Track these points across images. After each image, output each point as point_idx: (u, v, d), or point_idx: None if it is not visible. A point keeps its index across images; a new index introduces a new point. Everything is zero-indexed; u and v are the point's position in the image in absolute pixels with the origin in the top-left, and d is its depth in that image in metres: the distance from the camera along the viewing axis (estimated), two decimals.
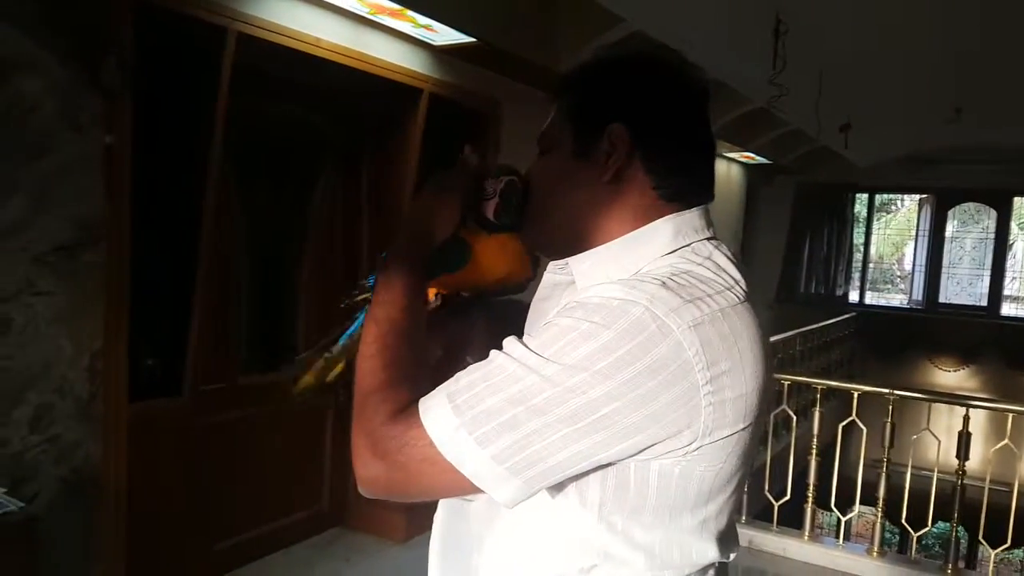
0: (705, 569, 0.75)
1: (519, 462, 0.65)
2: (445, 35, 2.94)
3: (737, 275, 0.74)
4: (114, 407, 2.12)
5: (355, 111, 3.27)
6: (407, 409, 0.69)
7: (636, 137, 0.76)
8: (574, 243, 0.80)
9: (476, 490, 0.68)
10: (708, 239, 0.77)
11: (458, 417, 0.66)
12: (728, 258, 0.76)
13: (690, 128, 0.80)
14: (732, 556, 0.78)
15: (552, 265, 0.86)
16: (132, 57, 2.00)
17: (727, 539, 0.76)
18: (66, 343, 2.02)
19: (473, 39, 2.97)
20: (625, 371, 0.64)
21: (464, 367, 0.72)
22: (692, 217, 0.77)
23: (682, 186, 0.78)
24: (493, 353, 0.70)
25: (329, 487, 3.41)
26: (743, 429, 0.70)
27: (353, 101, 3.20)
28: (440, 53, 3.16)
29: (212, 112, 2.31)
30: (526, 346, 0.68)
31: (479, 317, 0.93)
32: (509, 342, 0.70)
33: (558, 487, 0.70)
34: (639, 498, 0.70)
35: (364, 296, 0.99)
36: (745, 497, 3.49)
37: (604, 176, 0.77)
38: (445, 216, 0.83)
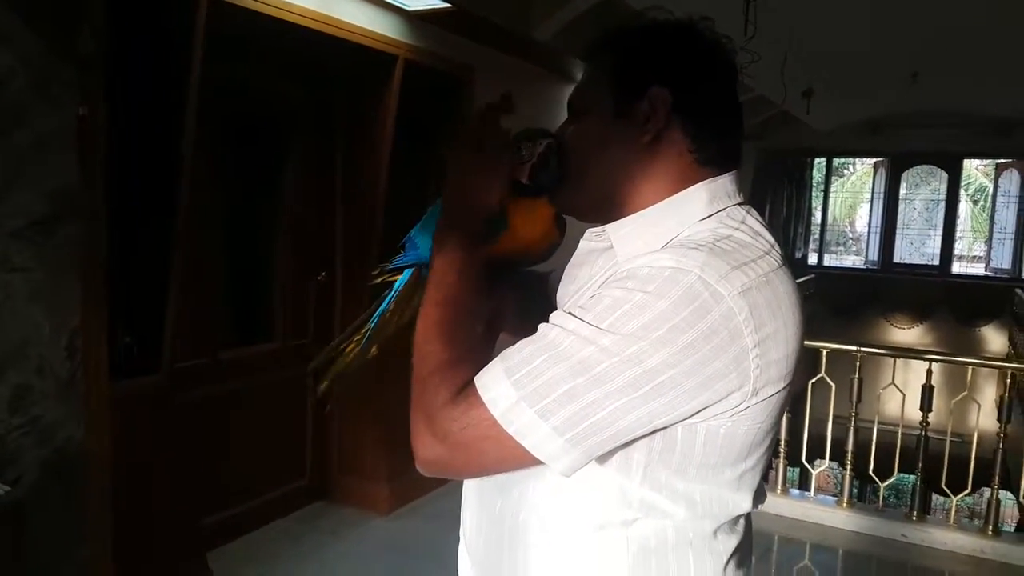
0: (737, 519, 0.79)
1: (580, 432, 0.66)
2: (420, 0, 2.89)
3: (771, 239, 0.76)
4: (95, 386, 2.06)
5: (329, 78, 3.21)
6: (466, 389, 0.70)
7: (676, 100, 0.77)
8: (610, 205, 0.80)
9: (536, 462, 0.69)
10: (739, 204, 0.79)
11: (518, 391, 0.67)
12: (760, 222, 0.77)
13: (725, 95, 0.81)
14: (760, 506, 0.80)
15: (589, 232, 0.86)
16: (104, 25, 1.92)
17: (759, 491, 0.79)
18: (44, 321, 1.95)
19: (448, 5, 2.93)
20: (681, 338, 0.65)
21: (501, 341, 0.73)
22: (725, 182, 0.79)
23: (716, 151, 0.79)
24: (544, 327, 0.70)
25: (311, 461, 3.41)
26: (785, 387, 0.72)
27: (327, 68, 3.15)
28: (414, 19, 3.11)
29: (185, 81, 2.24)
30: (579, 318, 0.68)
31: (507, 289, 0.93)
32: (559, 315, 0.70)
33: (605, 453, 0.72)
34: (684, 457, 0.72)
35: (386, 279, 0.99)
36: None
37: (644, 137, 0.77)
38: (493, 188, 0.81)
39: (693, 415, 0.69)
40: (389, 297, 0.98)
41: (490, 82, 3.58)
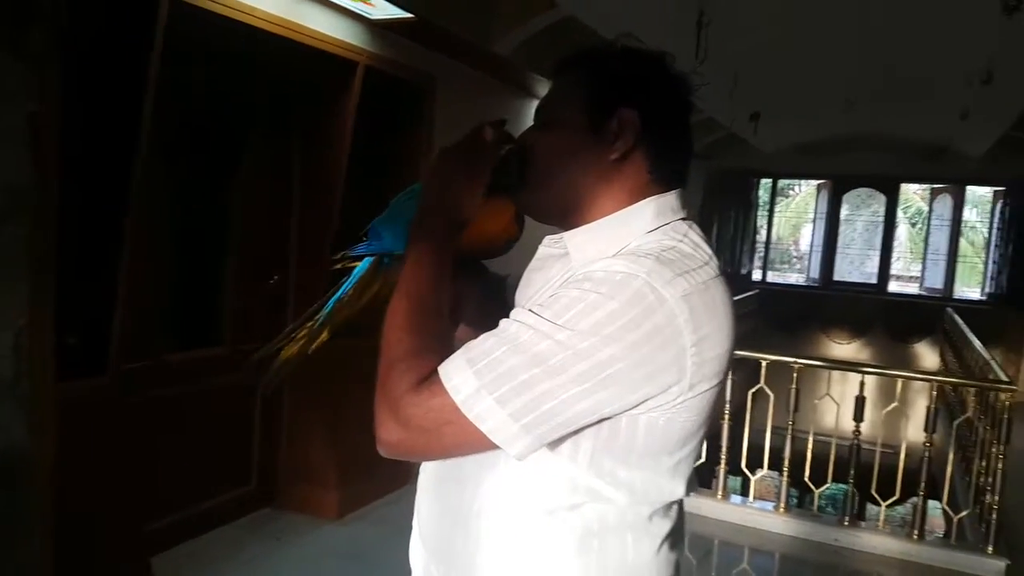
0: (671, 504, 0.86)
1: (534, 419, 0.72)
2: (382, 9, 2.94)
3: (710, 252, 0.84)
4: (40, 386, 2.03)
5: (289, 82, 3.22)
6: (430, 377, 0.75)
7: (644, 124, 0.84)
8: (568, 212, 0.88)
9: (492, 446, 0.74)
10: (682, 219, 0.87)
11: (479, 380, 0.72)
12: (701, 236, 0.86)
13: (684, 122, 0.90)
14: (690, 494, 0.88)
15: (547, 239, 0.92)
16: (61, 23, 1.91)
17: (691, 480, 0.87)
18: None
19: (410, 14, 2.98)
20: (629, 336, 0.72)
21: (461, 332, 0.78)
22: (671, 199, 0.87)
23: (670, 172, 0.88)
24: (505, 322, 0.76)
25: (258, 467, 3.38)
26: (717, 384, 0.80)
27: (287, 72, 3.15)
28: (376, 27, 3.15)
29: (143, 82, 2.24)
30: (538, 315, 0.74)
31: (469, 284, 0.98)
32: (520, 312, 0.76)
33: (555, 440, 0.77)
34: (627, 445, 0.79)
35: (346, 264, 1.03)
36: None
37: (611, 155, 0.84)
38: (475, 197, 0.87)
39: (636, 406, 0.76)
40: (347, 284, 1.01)
41: (450, 92, 3.64)
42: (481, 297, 1.01)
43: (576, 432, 0.77)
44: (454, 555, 0.87)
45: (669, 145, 0.87)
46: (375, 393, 0.77)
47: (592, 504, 0.80)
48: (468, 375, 0.73)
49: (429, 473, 0.94)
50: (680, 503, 0.88)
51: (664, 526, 0.85)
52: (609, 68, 0.88)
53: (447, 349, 0.77)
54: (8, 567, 1.99)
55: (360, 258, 1.01)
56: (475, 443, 0.74)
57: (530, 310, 0.75)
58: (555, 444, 0.77)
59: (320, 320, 1.02)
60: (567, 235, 0.88)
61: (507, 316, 0.77)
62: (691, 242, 0.82)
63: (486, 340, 0.75)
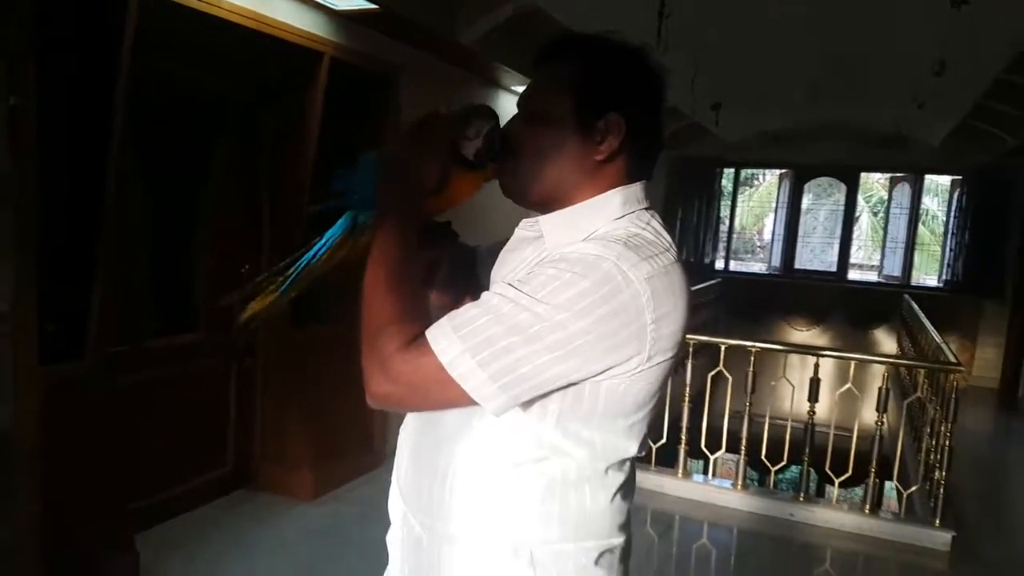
0: (624, 461, 0.97)
1: (510, 380, 0.83)
2: (347, 0, 2.99)
3: (670, 239, 0.94)
4: (23, 370, 2.09)
5: (256, 74, 3.27)
6: (418, 340, 0.84)
7: (630, 127, 0.93)
8: (548, 201, 0.97)
9: (472, 402, 0.85)
10: (645, 208, 0.97)
11: (463, 343, 0.82)
12: (662, 225, 0.96)
13: (660, 122, 0.99)
14: (643, 453, 0.99)
15: (524, 222, 1.02)
16: (34, 17, 1.96)
17: (643, 441, 0.98)
18: None
19: (375, 6, 3.04)
20: (598, 311, 0.82)
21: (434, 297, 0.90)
22: (636, 189, 0.97)
23: (644, 168, 0.98)
24: (487, 294, 0.86)
25: (234, 450, 3.44)
26: (671, 356, 0.91)
27: (254, 64, 3.20)
28: (342, 18, 3.20)
29: (115, 73, 2.28)
30: (518, 289, 0.84)
31: (441, 254, 1.07)
32: (501, 286, 0.86)
33: (527, 400, 0.88)
34: (590, 408, 0.89)
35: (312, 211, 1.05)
36: None
37: (597, 156, 0.94)
38: (432, 170, 0.95)
39: (600, 373, 0.86)
40: (322, 246, 1.03)
41: (414, 82, 3.71)
42: (452, 265, 1.09)
43: (545, 395, 0.87)
44: (432, 505, 0.96)
45: (649, 145, 0.96)
46: (362, 351, 0.86)
47: (556, 459, 0.91)
48: (453, 339, 0.83)
49: (408, 433, 1.04)
50: (632, 460, 0.99)
51: (618, 479, 0.96)
52: (598, 67, 0.94)
53: (425, 312, 0.88)
54: None
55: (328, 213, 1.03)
56: (457, 399, 0.85)
57: (510, 284, 0.85)
58: (526, 405, 0.88)
59: (291, 278, 1.03)
60: (542, 219, 0.97)
61: (476, 283, 0.87)
62: (653, 230, 0.93)
63: (469, 310, 0.85)
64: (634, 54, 0.96)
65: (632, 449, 0.95)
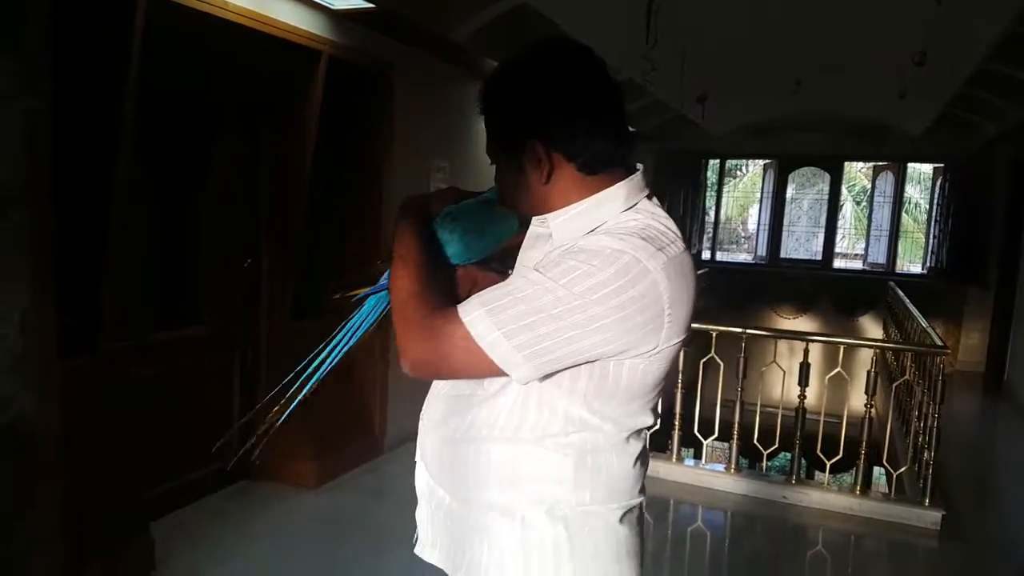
0: (641, 430, 1.07)
1: (533, 352, 0.92)
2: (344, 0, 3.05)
3: (676, 229, 1.01)
4: (45, 362, 2.15)
5: (255, 72, 3.31)
6: (444, 309, 0.95)
7: (552, 145, 0.98)
8: (543, 214, 1.05)
9: (500, 372, 0.94)
10: (647, 196, 1.04)
11: (491, 317, 0.92)
12: (666, 216, 1.03)
13: (592, 117, 0.99)
14: (657, 423, 1.08)
15: (535, 219, 1.09)
16: (49, 16, 2.01)
17: (656, 413, 1.09)
18: None
19: (372, 5, 3.09)
20: (615, 299, 0.90)
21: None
22: (637, 180, 1.04)
23: (599, 160, 1.01)
24: (513, 277, 0.98)
25: (238, 440, 3.48)
26: (683, 339, 1.00)
27: (253, 62, 3.24)
28: (339, 17, 3.26)
29: (124, 75, 2.33)
30: (542, 274, 0.92)
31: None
32: (526, 270, 0.96)
33: (557, 378, 0.97)
34: (613, 386, 0.98)
35: (356, 293, 1.18)
36: None
37: (541, 178, 1.01)
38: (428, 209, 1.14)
39: (619, 354, 0.95)
40: (351, 336, 1.17)
41: (410, 80, 3.76)
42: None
43: (573, 374, 0.96)
44: (468, 478, 1.05)
45: (582, 142, 0.99)
46: (397, 327, 0.97)
47: (585, 432, 1.01)
48: (482, 312, 0.93)
49: (433, 414, 1.12)
50: (646, 430, 1.09)
51: (637, 447, 1.06)
52: (497, 107, 1.03)
53: (455, 294, 0.99)
54: (18, 534, 2.10)
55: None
56: (485, 368, 0.94)
57: (536, 269, 0.94)
58: (557, 384, 0.98)
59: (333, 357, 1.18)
60: (549, 217, 1.04)
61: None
62: (661, 222, 1.00)
63: (497, 289, 0.94)
64: (532, 67, 1.00)
65: (648, 420, 1.06)
